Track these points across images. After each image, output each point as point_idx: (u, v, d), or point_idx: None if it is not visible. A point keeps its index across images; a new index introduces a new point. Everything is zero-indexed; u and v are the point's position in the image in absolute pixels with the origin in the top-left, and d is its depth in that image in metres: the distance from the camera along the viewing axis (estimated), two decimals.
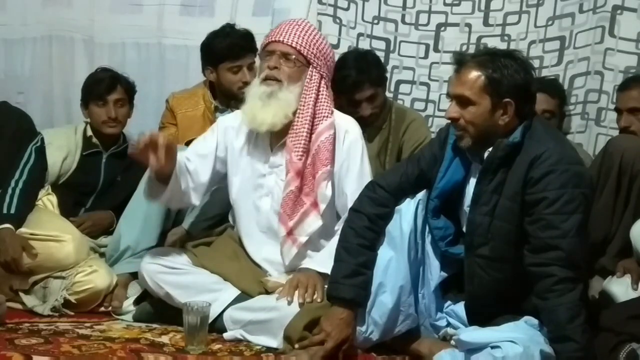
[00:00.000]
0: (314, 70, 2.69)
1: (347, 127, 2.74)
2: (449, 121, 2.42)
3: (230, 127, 2.79)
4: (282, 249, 2.70)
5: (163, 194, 2.64)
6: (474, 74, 2.32)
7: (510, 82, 2.30)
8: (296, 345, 2.40)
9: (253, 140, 2.76)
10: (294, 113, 2.67)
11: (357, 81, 3.08)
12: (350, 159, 2.71)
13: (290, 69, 2.66)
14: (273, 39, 2.69)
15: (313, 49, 2.68)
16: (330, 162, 2.67)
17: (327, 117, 2.69)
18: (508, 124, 2.33)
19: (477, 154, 2.39)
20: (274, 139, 2.73)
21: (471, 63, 2.34)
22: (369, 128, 3.12)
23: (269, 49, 2.69)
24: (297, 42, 2.67)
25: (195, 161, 2.75)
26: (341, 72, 3.02)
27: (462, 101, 2.33)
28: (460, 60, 2.38)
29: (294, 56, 2.66)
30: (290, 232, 2.67)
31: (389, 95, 3.60)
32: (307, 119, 2.66)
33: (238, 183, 2.77)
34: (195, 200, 2.78)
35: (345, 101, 3.07)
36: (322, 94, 2.70)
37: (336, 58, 2.99)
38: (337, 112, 2.78)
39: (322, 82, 2.71)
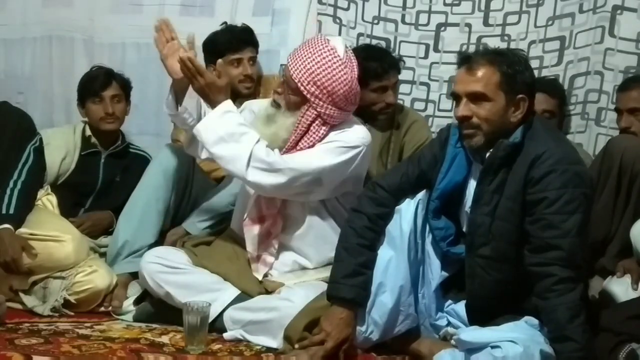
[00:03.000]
0: (310, 107, 2.59)
1: (352, 129, 2.67)
2: (450, 121, 2.41)
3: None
4: (251, 266, 2.72)
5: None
6: (489, 70, 2.31)
7: (521, 78, 2.32)
8: (296, 345, 2.40)
9: None
10: (287, 140, 2.63)
11: (386, 68, 3.10)
12: (337, 139, 2.63)
13: (288, 100, 2.61)
14: (287, 61, 2.64)
15: (313, 87, 2.55)
16: None
17: (302, 149, 2.62)
18: (519, 120, 2.33)
19: (479, 154, 2.39)
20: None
21: (482, 60, 2.33)
22: (382, 116, 3.16)
23: (284, 69, 2.65)
24: (297, 76, 2.56)
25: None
26: (364, 64, 3.04)
27: (476, 98, 2.31)
28: (469, 58, 2.36)
29: (293, 89, 2.59)
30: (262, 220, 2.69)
31: None
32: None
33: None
34: None
35: (368, 92, 3.07)
36: (311, 132, 2.61)
37: None
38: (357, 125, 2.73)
39: (317, 121, 2.60)
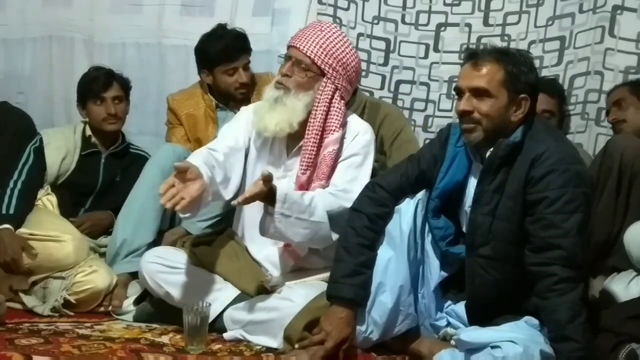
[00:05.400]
0: (328, 81, 2.63)
1: (360, 130, 2.70)
2: (450, 121, 2.41)
3: (252, 121, 2.74)
4: (280, 258, 2.69)
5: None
6: (494, 67, 2.32)
7: (525, 78, 2.33)
8: (296, 345, 2.40)
9: (270, 140, 2.72)
10: (302, 122, 2.62)
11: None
12: (356, 151, 2.66)
13: (301, 79, 2.62)
14: (292, 44, 2.65)
15: (330, 59, 2.61)
16: (327, 178, 2.63)
17: (334, 131, 2.63)
18: (519, 120, 2.33)
19: (479, 153, 2.39)
20: (290, 141, 2.69)
21: (488, 57, 2.34)
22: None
23: (288, 52, 2.66)
24: (312, 51, 2.60)
25: (229, 155, 2.66)
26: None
27: (479, 94, 2.32)
28: (475, 54, 2.37)
29: (307, 65, 2.61)
30: (288, 244, 2.65)
31: (389, 95, 3.61)
32: (315, 132, 2.62)
33: (251, 182, 2.73)
34: (227, 195, 2.63)
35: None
36: (334, 107, 2.64)
37: None
38: (356, 118, 2.76)
39: (336, 94, 2.64)
